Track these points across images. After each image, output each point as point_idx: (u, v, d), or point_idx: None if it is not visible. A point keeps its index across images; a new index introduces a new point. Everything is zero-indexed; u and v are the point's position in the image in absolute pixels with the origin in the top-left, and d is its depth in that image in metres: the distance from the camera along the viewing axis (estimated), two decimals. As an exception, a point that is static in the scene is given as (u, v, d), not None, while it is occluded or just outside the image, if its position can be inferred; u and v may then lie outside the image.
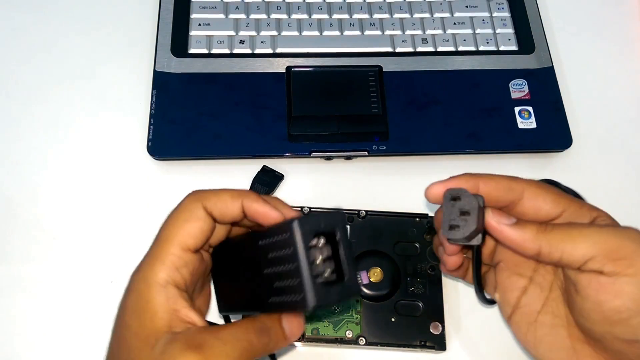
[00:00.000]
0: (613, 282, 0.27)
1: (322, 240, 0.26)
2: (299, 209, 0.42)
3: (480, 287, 0.34)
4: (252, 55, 0.48)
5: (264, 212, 0.30)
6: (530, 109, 0.47)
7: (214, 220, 0.30)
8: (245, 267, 0.30)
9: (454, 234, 0.30)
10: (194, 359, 0.25)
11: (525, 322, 0.33)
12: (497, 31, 0.51)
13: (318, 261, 0.26)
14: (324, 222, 0.26)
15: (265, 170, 0.44)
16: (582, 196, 0.41)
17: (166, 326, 0.27)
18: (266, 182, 0.44)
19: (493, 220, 0.30)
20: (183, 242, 0.29)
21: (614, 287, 0.27)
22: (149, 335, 0.27)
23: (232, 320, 0.35)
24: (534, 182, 0.32)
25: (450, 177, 0.32)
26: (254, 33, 0.49)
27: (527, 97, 0.48)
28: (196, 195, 0.30)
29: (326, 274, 0.26)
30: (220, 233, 0.32)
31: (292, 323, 0.29)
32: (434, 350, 0.39)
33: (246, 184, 0.45)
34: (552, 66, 0.49)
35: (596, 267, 0.28)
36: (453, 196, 0.31)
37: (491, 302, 0.35)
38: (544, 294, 0.33)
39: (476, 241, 0.30)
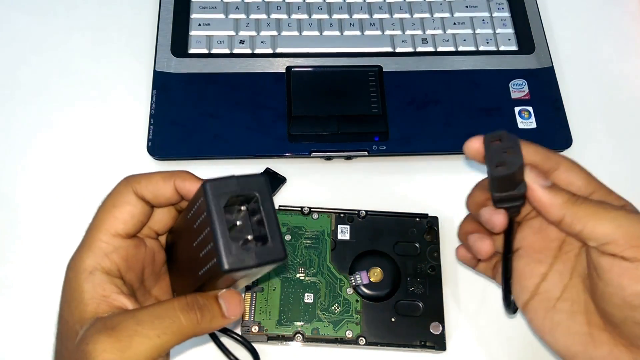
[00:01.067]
0: (636, 268, 0.27)
1: (243, 205, 0.26)
2: (299, 208, 0.42)
3: (508, 290, 0.34)
4: (252, 55, 0.48)
5: (190, 184, 0.29)
6: (530, 109, 0.47)
7: (149, 204, 0.29)
8: (182, 247, 0.29)
9: (502, 170, 0.29)
10: (107, 342, 0.24)
11: (543, 309, 0.32)
12: (497, 31, 0.51)
13: (238, 224, 0.25)
14: (240, 185, 0.25)
15: (267, 172, 0.44)
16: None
17: (92, 312, 0.26)
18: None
19: (529, 176, 0.30)
20: (112, 227, 0.28)
21: (636, 272, 0.27)
22: (75, 322, 0.26)
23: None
24: (569, 158, 0.32)
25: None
26: (254, 33, 0.49)
27: (527, 97, 0.48)
28: (127, 180, 0.29)
29: (247, 237, 0.25)
30: (164, 218, 0.31)
31: (228, 298, 0.28)
32: (434, 350, 0.39)
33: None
34: (552, 66, 0.49)
35: (617, 252, 0.28)
36: (493, 139, 0.30)
37: (515, 309, 0.35)
38: (563, 280, 0.32)
39: (523, 187, 0.30)
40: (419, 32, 0.50)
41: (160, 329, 0.25)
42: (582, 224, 0.29)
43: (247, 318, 0.39)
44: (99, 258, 0.28)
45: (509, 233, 0.33)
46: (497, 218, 0.31)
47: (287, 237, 0.41)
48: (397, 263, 0.41)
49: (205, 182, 0.25)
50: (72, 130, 0.46)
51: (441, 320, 0.39)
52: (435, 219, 0.43)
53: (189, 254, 0.27)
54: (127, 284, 0.29)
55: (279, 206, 0.42)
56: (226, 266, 0.24)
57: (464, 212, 0.44)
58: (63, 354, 0.28)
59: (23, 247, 0.42)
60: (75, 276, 0.27)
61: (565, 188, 0.31)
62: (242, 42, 0.49)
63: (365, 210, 0.42)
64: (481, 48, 0.50)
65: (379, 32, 0.50)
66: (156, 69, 0.47)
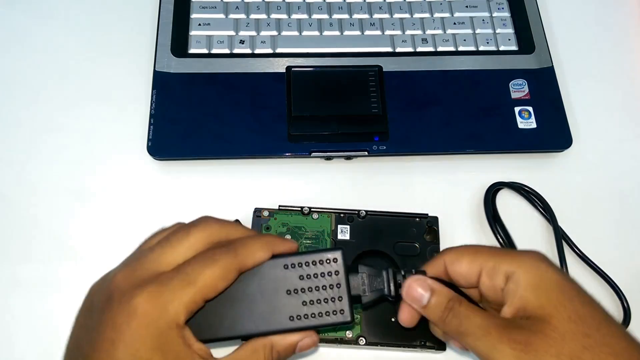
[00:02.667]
0: None
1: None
2: (299, 208, 0.42)
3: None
4: (252, 55, 0.48)
5: (290, 249, 0.33)
6: (530, 109, 0.47)
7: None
8: (254, 290, 0.31)
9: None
10: None
11: None
12: (497, 31, 0.51)
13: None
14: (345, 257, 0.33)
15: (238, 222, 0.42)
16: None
17: None
18: None
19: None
20: (208, 295, 0.29)
21: None
22: None
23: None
24: (454, 248, 0.33)
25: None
26: (254, 33, 0.49)
27: (527, 97, 0.48)
28: (233, 257, 0.30)
29: (353, 294, 0.32)
30: None
31: (307, 345, 0.31)
32: (434, 350, 0.39)
33: (245, 184, 0.45)
34: (552, 66, 0.49)
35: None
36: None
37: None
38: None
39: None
40: (419, 32, 0.50)
41: None
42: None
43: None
44: (189, 315, 0.29)
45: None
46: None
47: (287, 237, 0.41)
48: (397, 263, 0.41)
49: (338, 250, 0.32)
50: (72, 130, 0.46)
51: (441, 320, 0.39)
52: (435, 219, 0.43)
53: (273, 300, 0.31)
54: None
55: (279, 206, 0.42)
56: (350, 319, 0.31)
57: (464, 212, 0.44)
58: None
59: (22, 247, 0.42)
60: (169, 329, 0.28)
61: (462, 281, 0.31)
62: (242, 42, 0.49)
63: (365, 210, 0.42)
64: (481, 48, 0.50)
65: (379, 32, 0.50)
66: (156, 69, 0.47)
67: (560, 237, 0.43)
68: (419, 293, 0.31)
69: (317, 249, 0.34)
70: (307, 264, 0.32)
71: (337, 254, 0.32)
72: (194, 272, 0.28)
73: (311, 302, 0.31)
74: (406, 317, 0.33)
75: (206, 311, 0.30)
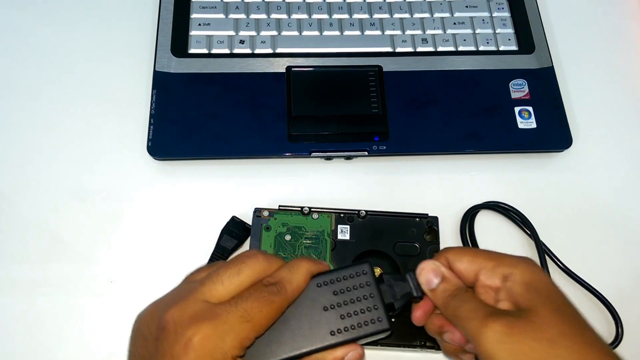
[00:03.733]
0: None
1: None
2: (299, 208, 0.42)
3: None
4: (252, 55, 0.48)
5: (323, 269, 0.34)
6: (530, 109, 0.47)
7: None
8: (293, 313, 0.32)
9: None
10: None
11: None
12: (497, 31, 0.51)
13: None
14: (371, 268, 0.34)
15: (235, 221, 0.42)
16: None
17: None
18: (235, 234, 0.42)
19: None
20: (260, 333, 0.30)
21: None
22: None
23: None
24: (456, 247, 0.35)
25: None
26: (254, 33, 0.49)
27: (527, 97, 0.48)
28: (285, 297, 0.31)
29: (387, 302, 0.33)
30: None
31: (353, 358, 0.32)
32: (434, 350, 0.39)
33: (245, 184, 0.45)
34: (552, 66, 0.49)
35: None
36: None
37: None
38: None
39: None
40: (419, 32, 0.50)
41: None
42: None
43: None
44: (242, 351, 0.30)
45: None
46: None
47: (287, 237, 0.41)
48: (397, 263, 0.41)
49: (366, 262, 0.34)
50: (72, 130, 0.46)
51: (441, 320, 0.39)
52: (435, 219, 0.43)
53: (312, 317, 0.32)
54: None
55: (279, 206, 0.42)
56: (389, 327, 0.32)
57: (464, 212, 0.44)
58: None
59: (22, 247, 0.42)
60: (223, 359, 0.28)
61: (464, 279, 0.33)
62: (242, 42, 0.49)
63: (365, 210, 0.42)
64: (481, 48, 0.50)
65: (379, 32, 0.50)
66: (156, 69, 0.47)
67: (543, 251, 0.43)
68: (430, 277, 0.33)
69: (343, 265, 0.35)
70: (338, 279, 0.33)
71: (365, 267, 0.33)
72: (252, 311, 0.29)
73: (348, 315, 0.32)
74: (419, 316, 0.34)
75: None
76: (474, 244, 0.43)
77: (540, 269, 0.32)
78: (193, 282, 0.31)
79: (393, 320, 0.38)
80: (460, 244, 0.43)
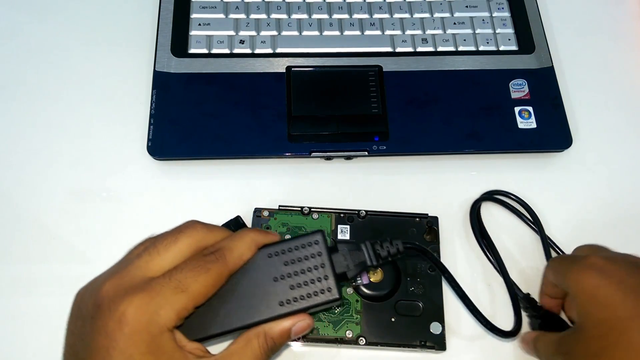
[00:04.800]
0: None
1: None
2: (299, 208, 0.42)
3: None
4: (252, 55, 0.48)
5: (273, 240, 0.34)
6: (530, 109, 0.47)
7: None
8: (243, 284, 0.32)
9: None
10: None
11: None
12: (497, 31, 0.51)
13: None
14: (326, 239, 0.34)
15: (238, 222, 0.41)
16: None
17: None
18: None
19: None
20: (199, 302, 0.30)
21: None
22: None
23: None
24: (552, 260, 0.40)
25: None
26: (254, 33, 0.49)
27: (527, 97, 0.48)
28: (224, 264, 0.31)
29: (339, 272, 0.33)
30: None
31: (301, 328, 0.32)
32: (434, 350, 0.39)
33: (245, 184, 0.45)
34: (552, 66, 0.49)
35: None
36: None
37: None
38: None
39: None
40: (419, 32, 0.50)
41: None
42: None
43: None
44: (180, 321, 0.29)
45: None
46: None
47: (287, 237, 0.41)
48: (397, 263, 0.41)
49: (319, 232, 0.33)
50: (73, 130, 0.46)
51: (441, 320, 0.39)
52: (435, 219, 0.43)
53: (260, 289, 0.32)
54: None
55: (279, 206, 0.42)
56: (338, 296, 0.32)
57: (464, 212, 0.44)
58: None
59: (22, 247, 0.42)
60: (161, 333, 0.28)
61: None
62: (242, 42, 0.49)
63: (365, 210, 0.42)
64: (481, 48, 0.50)
65: (379, 32, 0.50)
66: (156, 69, 0.47)
67: (548, 245, 0.43)
68: (526, 350, 0.39)
69: (298, 234, 0.34)
70: (290, 249, 0.33)
71: (318, 236, 0.33)
72: (187, 280, 0.29)
73: (298, 285, 0.32)
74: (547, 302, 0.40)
75: (199, 312, 0.31)
76: (484, 232, 0.43)
77: (604, 276, 0.32)
78: (131, 257, 0.30)
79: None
80: (465, 240, 0.43)
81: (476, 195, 0.45)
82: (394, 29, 0.50)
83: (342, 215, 0.42)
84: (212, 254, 0.30)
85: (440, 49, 0.49)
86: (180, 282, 0.29)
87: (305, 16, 0.50)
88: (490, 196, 0.45)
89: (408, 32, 0.50)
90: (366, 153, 0.45)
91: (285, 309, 0.32)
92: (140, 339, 0.27)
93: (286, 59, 0.48)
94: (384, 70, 0.48)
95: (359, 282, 0.40)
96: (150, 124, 0.45)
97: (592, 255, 0.34)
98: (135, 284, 0.29)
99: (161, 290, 0.28)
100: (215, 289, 0.30)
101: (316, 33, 0.49)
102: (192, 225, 0.32)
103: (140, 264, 0.30)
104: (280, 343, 0.32)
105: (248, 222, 0.42)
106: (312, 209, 0.42)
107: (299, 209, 0.42)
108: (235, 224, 0.42)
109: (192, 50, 0.48)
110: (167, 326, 0.28)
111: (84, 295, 0.30)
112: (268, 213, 0.42)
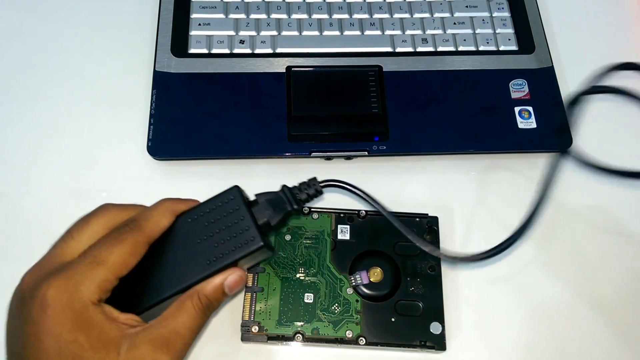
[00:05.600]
0: None
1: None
2: (299, 209, 0.42)
3: None
4: (252, 55, 0.48)
5: (191, 205, 0.35)
6: (530, 109, 0.47)
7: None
8: (169, 252, 0.33)
9: None
10: (163, 356, 0.29)
11: None
12: (497, 31, 0.51)
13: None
14: (243, 193, 0.35)
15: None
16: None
17: (119, 335, 0.29)
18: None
19: None
20: (120, 273, 0.30)
21: None
22: (107, 344, 0.28)
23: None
24: None
25: None
26: (254, 33, 0.49)
27: (527, 97, 0.48)
28: (139, 232, 0.31)
29: (260, 222, 0.34)
30: None
31: (234, 281, 0.33)
32: (434, 350, 0.39)
33: (245, 184, 0.45)
34: (552, 66, 0.49)
35: None
36: None
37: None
38: None
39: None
40: (419, 32, 0.50)
41: (194, 334, 0.31)
42: None
43: (247, 318, 0.39)
44: (104, 293, 0.30)
45: None
46: None
47: (287, 237, 0.41)
48: (397, 263, 0.41)
49: (235, 187, 0.34)
50: (72, 130, 0.46)
51: (441, 320, 0.39)
52: (435, 219, 0.43)
53: (186, 252, 0.33)
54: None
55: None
56: (261, 242, 0.32)
57: (463, 212, 0.44)
58: None
59: (22, 247, 0.42)
60: (86, 308, 0.28)
61: None
62: (242, 42, 0.49)
63: (365, 210, 0.42)
64: (481, 48, 0.50)
65: (379, 32, 0.50)
66: (156, 69, 0.47)
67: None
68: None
69: (212, 196, 0.35)
70: (208, 210, 0.34)
71: (233, 192, 0.34)
72: (102, 253, 0.29)
73: (222, 242, 0.33)
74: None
75: (131, 286, 0.31)
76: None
77: None
78: (49, 249, 0.31)
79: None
80: (465, 239, 0.43)
81: (476, 195, 0.45)
82: (394, 29, 0.50)
83: (342, 215, 0.42)
84: (126, 225, 0.31)
85: (440, 49, 0.49)
86: (95, 257, 0.29)
87: (305, 16, 0.50)
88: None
89: (408, 32, 0.50)
90: (366, 153, 0.45)
91: (213, 266, 0.32)
92: (65, 317, 0.28)
93: (286, 59, 0.48)
94: (384, 70, 0.48)
95: (359, 282, 0.40)
96: (150, 124, 0.45)
97: None
98: (53, 269, 0.29)
99: (78, 267, 0.29)
100: (135, 258, 0.31)
101: (316, 33, 0.49)
102: (104, 206, 0.33)
103: (56, 251, 0.31)
104: (214, 299, 0.32)
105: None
106: (312, 209, 0.42)
107: (299, 209, 0.42)
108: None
109: (192, 50, 0.48)
110: (91, 299, 0.29)
111: (12, 296, 0.31)
112: (268, 213, 0.42)
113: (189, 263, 0.32)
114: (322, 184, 0.37)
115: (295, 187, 0.37)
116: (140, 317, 0.31)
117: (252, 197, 0.36)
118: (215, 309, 0.33)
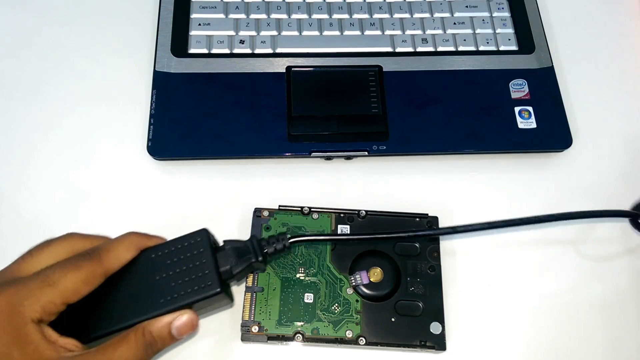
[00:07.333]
0: None
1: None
2: (299, 208, 0.42)
3: None
4: (252, 55, 0.48)
5: (158, 242, 0.35)
6: (530, 109, 0.47)
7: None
8: (128, 285, 0.33)
9: None
10: None
11: None
12: (497, 31, 0.51)
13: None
14: (211, 237, 0.35)
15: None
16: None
17: (54, 357, 0.29)
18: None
19: None
20: (69, 299, 0.30)
21: None
22: None
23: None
24: None
25: None
26: (254, 33, 0.49)
27: (527, 97, 0.48)
28: (97, 263, 0.31)
29: (222, 269, 0.34)
30: None
31: (183, 323, 0.32)
32: (434, 350, 0.39)
33: (245, 184, 0.45)
34: (552, 66, 0.49)
35: None
36: None
37: None
38: None
39: None
40: (419, 32, 0.50)
41: None
42: None
43: (247, 318, 0.39)
44: (47, 316, 0.29)
45: None
46: None
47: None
48: (397, 263, 0.41)
49: (204, 230, 0.34)
50: (72, 130, 0.46)
51: (441, 320, 0.39)
52: (435, 219, 0.43)
53: (143, 287, 0.33)
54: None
55: (279, 206, 0.42)
56: (219, 289, 0.33)
57: (463, 212, 0.44)
58: None
59: (22, 247, 0.42)
60: (24, 324, 0.29)
61: None
62: (242, 42, 0.49)
63: (365, 210, 0.42)
64: (481, 48, 0.50)
65: (379, 32, 0.50)
66: (156, 69, 0.47)
67: None
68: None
69: (182, 236, 0.35)
70: (173, 249, 0.34)
71: (202, 234, 0.34)
72: (55, 275, 0.29)
73: (180, 282, 0.33)
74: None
75: (83, 312, 0.31)
76: None
77: None
78: (9, 264, 0.32)
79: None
80: (465, 239, 0.43)
81: (476, 195, 0.45)
82: (394, 29, 0.50)
83: (342, 215, 0.42)
84: (87, 254, 0.31)
85: (440, 49, 0.49)
86: (47, 277, 0.29)
87: (305, 16, 0.50)
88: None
89: (408, 32, 0.50)
90: (366, 153, 0.45)
91: (166, 305, 0.32)
92: (3, 329, 0.28)
93: (286, 59, 0.48)
94: (384, 70, 0.48)
95: (359, 282, 0.40)
96: (150, 124, 0.45)
97: None
98: (4, 281, 0.29)
99: (27, 283, 0.29)
100: (88, 287, 0.30)
101: (316, 33, 0.49)
102: (69, 234, 0.33)
103: (12, 266, 0.31)
104: (159, 338, 0.32)
105: (248, 222, 0.42)
106: (312, 209, 0.42)
107: (299, 209, 0.42)
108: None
109: (192, 50, 0.48)
110: (32, 317, 0.29)
111: None
112: (268, 213, 0.42)
113: (144, 298, 0.32)
114: (291, 240, 0.37)
115: (263, 239, 0.37)
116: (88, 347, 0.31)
117: (220, 242, 0.36)
118: (160, 350, 0.32)
